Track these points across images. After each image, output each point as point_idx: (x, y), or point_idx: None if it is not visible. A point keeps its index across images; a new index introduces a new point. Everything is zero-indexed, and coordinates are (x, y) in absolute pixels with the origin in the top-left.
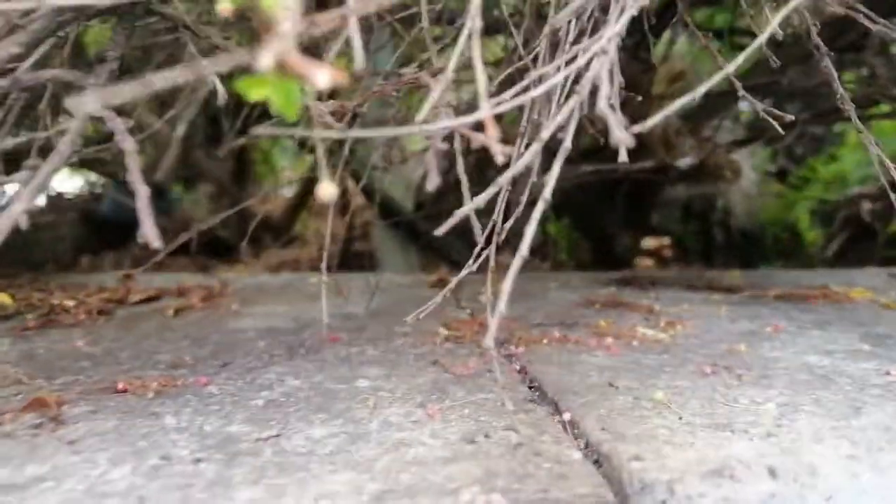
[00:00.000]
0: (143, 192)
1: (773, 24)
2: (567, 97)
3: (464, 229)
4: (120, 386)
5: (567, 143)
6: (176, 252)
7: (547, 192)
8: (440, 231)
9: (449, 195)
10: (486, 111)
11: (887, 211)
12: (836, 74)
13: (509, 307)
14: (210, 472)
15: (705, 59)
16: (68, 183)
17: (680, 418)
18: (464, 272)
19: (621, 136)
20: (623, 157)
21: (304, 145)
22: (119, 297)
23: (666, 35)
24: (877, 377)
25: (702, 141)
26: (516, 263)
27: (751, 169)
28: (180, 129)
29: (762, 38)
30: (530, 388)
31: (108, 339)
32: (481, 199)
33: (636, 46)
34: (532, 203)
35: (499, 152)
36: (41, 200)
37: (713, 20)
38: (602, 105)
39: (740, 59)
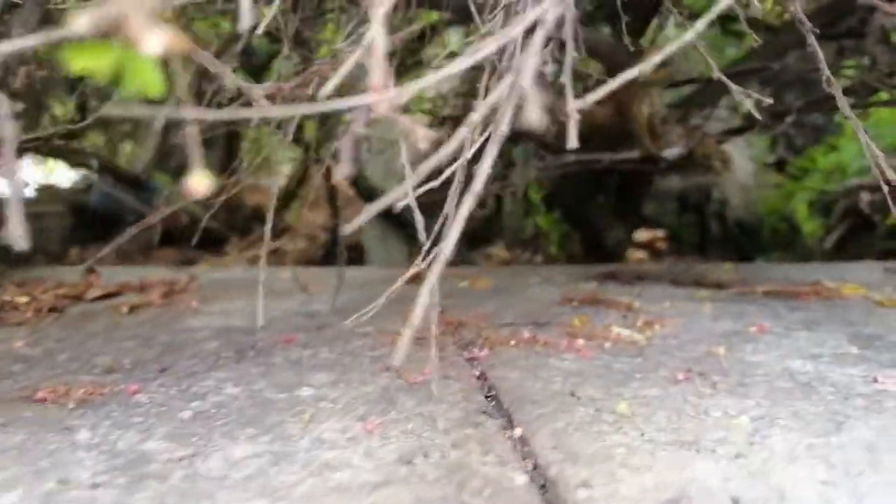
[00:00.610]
0: (16, 187)
1: None
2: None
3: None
4: (39, 395)
5: (503, 128)
6: (164, 243)
7: (477, 185)
8: (352, 227)
9: (440, 186)
10: (382, 92)
11: (886, 202)
12: (821, 54)
13: (482, 304)
14: (107, 498)
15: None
16: (61, 175)
17: (642, 434)
18: (411, 271)
19: (534, 118)
20: (573, 143)
21: (298, 140)
22: (77, 293)
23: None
24: (863, 385)
25: (690, 130)
26: (437, 268)
27: (748, 159)
28: (159, 120)
29: (721, 6)
30: (487, 396)
31: (50, 340)
32: (401, 190)
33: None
34: (523, 196)
35: (422, 137)
36: (30, 191)
37: (708, 7)
38: (525, 82)
39: (700, 25)
